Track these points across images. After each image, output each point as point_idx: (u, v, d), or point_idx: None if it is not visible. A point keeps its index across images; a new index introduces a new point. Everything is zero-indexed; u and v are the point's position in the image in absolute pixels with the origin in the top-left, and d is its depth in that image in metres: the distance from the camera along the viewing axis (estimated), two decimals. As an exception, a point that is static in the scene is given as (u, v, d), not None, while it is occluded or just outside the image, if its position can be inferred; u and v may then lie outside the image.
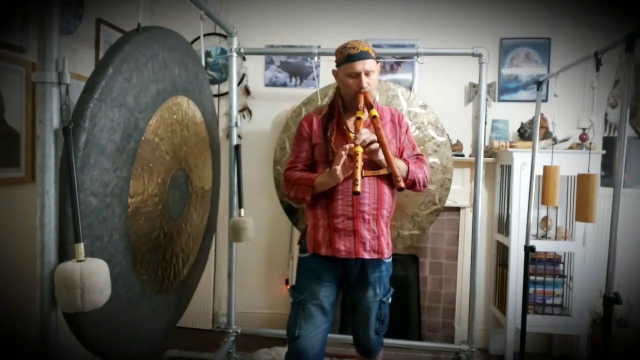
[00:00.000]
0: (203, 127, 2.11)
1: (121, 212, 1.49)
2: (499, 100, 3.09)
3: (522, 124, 3.00)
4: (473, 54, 2.49)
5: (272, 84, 3.22)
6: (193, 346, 2.90)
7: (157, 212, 1.73)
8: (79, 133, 1.29)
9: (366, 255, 1.78)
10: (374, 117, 1.67)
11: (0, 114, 1.98)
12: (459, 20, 3.08)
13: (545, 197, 2.42)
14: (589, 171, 2.08)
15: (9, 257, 2.03)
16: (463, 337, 2.88)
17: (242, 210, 2.47)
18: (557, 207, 2.90)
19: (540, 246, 2.71)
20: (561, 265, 2.91)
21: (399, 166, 1.73)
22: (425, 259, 3.09)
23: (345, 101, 1.86)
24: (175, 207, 1.88)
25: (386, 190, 1.82)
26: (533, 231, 2.80)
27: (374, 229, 1.79)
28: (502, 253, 3.04)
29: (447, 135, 2.70)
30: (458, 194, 3.00)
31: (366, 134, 1.67)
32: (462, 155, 2.99)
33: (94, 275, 1.21)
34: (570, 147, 2.90)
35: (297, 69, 3.20)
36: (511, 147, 2.89)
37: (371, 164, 1.75)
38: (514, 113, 3.06)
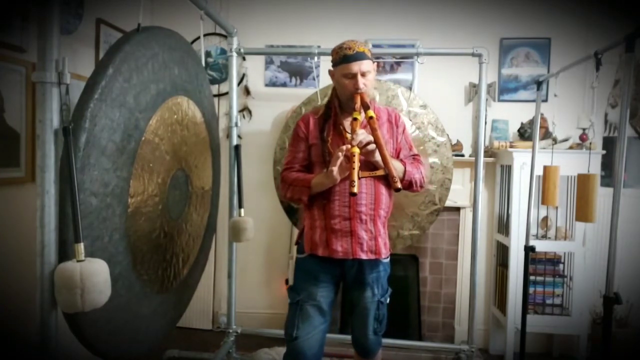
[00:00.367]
0: (203, 127, 2.11)
1: (121, 212, 1.49)
2: (499, 100, 3.10)
3: (522, 124, 3.00)
4: (473, 54, 2.49)
5: (272, 84, 3.22)
6: (193, 346, 2.90)
7: (157, 212, 1.73)
8: (79, 133, 1.29)
9: (363, 256, 1.78)
10: (371, 117, 1.67)
11: (0, 114, 1.98)
12: (459, 20, 3.08)
13: (545, 197, 2.42)
14: (589, 171, 2.08)
15: (9, 257, 2.03)
16: (463, 337, 2.88)
17: (242, 210, 2.46)
18: (557, 207, 2.90)
19: (540, 246, 2.71)
20: (561, 265, 2.91)
21: (396, 167, 1.73)
22: (425, 259, 3.09)
23: (341, 101, 1.86)
24: (175, 207, 1.88)
25: (383, 190, 1.81)
26: (533, 231, 2.80)
27: (371, 229, 1.79)
28: (502, 253, 3.04)
29: (447, 135, 2.70)
30: (458, 194, 3.00)
31: (363, 135, 1.66)
32: (462, 155, 2.99)
33: (94, 275, 1.21)
34: (570, 147, 2.90)
35: (297, 69, 3.20)
36: (511, 147, 2.89)
37: (368, 164, 1.74)
38: (514, 113, 3.06)
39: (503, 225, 3.02)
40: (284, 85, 3.21)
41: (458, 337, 3.05)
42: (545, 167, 2.44)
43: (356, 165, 1.55)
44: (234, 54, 2.63)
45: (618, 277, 1.89)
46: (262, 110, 3.23)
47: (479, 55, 2.48)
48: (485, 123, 2.69)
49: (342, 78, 1.78)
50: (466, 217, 3.02)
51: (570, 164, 2.65)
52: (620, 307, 2.45)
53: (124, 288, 1.54)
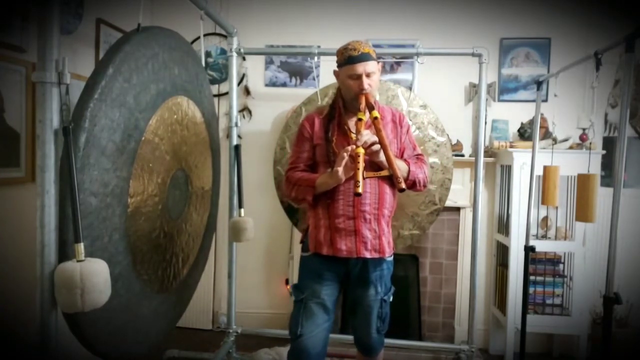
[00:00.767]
0: (203, 127, 2.11)
1: (121, 212, 1.49)
2: (499, 100, 3.09)
3: (522, 124, 3.00)
4: (473, 54, 2.49)
5: (272, 84, 3.22)
6: (193, 346, 2.90)
7: (157, 212, 1.73)
8: (79, 133, 1.29)
9: (367, 255, 1.79)
10: (375, 118, 1.68)
11: (0, 114, 1.98)
12: (459, 20, 3.08)
13: (545, 197, 2.42)
14: (589, 171, 2.08)
15: (9, 257, 2.03)
16: (463, 337, 2.88)
17: (242, 210, 2.47)
18: (557, 207, 2.90)
19: (540, 246, 2.71)
20: (561, 265, 2.91)
21: (400, 167, 1.74)
22: (425, 259, 3.09)
23: (346, 102, 1.87)
24: (175, 207, 1.88)
25: (387, 190, 1.83)
26: (533, 231, 2.80)
27: (375, 228, 1.80)
28: (502, 253, 3.04)
29: (447, 135, 2.70)
30: (458, 194, 3.00)
31: (367, 135, 1.67)
32: (462, 155, 2.99)
33: (94, 275, 1.21)
34: (570, 147, 2.90)
35: (297, 69, 3.20)
36: (511, 147, 2.89)
37: (372, 164, 1.75)
38: (514, 113, 3.06)
39: (503, 225, 3.02)
40: (284, 85, 3.21)
41: (458, 337, 3.05)
42: (545, 167, 2.44)
43: (361, 165, 1.57)
44: (234, 54, 2.63)
45: (618, 277, 1.90)
46: (262, 110, 3.23)
47: (479, 55, 2.48)
48: (485, 123, 2.69)
49: (347, 79, 1.79)
50: (466, 217, 3.01)
51: (570, 164, 2.65)
52: (620, 307, 2.45)
53: (124, 288, 1.54)
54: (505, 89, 3.09)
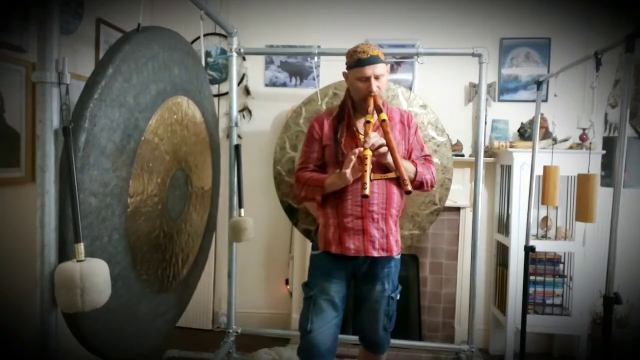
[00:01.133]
0: (203, 127, 2.11)
1: (121, 212, 1.49)
2: (499, 100, 3.09)
3: (522, 124, 3.00)
4: (473, 54, 2.49)
5: (272, 84, 3.22)
6: (193, 346, 2.90)
7: (157, 212, 1.73)
8: (79, 133, 1.28)
9: (375, 254, 1.82)
10: (383, 120, 1.70)
11: (0, 114, 1.98)
12: (459, 20, 3.08)
13: (545, 197, 2.42)
14: (589, 171, 2.08)
15: (9, 257, 2.03)
16: (463, 337, 2.88)
17: (242, 210, 2.46)
18: (557, 207, 2.90)
19: (540, 246, 2.71)
20: (561, 265, 2.91)
21: (407, 168, 1.79)
22: (425, 259, 3.09)
23: (355, 103, 1.91)
24: (175, 207, 1.88)
25: (395, 190, 1.86)
26: (533, 231, 2.80)
27: (382, 227, 1.83)
28: (502, 253, 3.04)
29: (447, 135, 2.69)
30: (458, 194, 3.00)
31: (375, 138, 1.71)
32: (462, 155, 2.99)
33: (94, 275, 1.21)
34: (570, 147, 2.90)
35: (297, 69, 3.20)
36: (511, 147, 2.89)
37: (380, 166, 1.79)
38: (514, 113, 3.06)
39: (503, 225, 3.02)
40: (284, 85, 3.21)
41: (458, 337, 3.05)
42: (545, 167, 2.44)
43: (368, 167, 1.60)
44: (234, 54, 2.63)
45: (618, 277, 1.89)
46: (262, 110, 3.23)
47: (479, 55, 2.48)
48: (485, 123, 2.69)
49: (356, 81, 1.82)
50: (466, 217, 3.02)
51: (570, 164, 2.65)
52: (620, 307, 2.45)
53: (124, 288, 1.54)
54: (505, 89, 3.09)
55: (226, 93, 2.95)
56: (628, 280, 2.89)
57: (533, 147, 2.54)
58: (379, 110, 1.75)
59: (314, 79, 2.79)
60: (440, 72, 3.07)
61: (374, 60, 1.78)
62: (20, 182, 2.09)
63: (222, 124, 3.15)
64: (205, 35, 2.67)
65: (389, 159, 1.73)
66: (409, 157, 1.93)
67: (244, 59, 3.17)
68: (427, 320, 3.09)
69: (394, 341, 2.66)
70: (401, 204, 1.91)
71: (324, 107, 2.54)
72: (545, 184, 2.42)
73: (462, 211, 3.04)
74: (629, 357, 2.84)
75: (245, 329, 2.82)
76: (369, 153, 1.64)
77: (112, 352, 1.53)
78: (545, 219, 2.93)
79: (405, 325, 3.04)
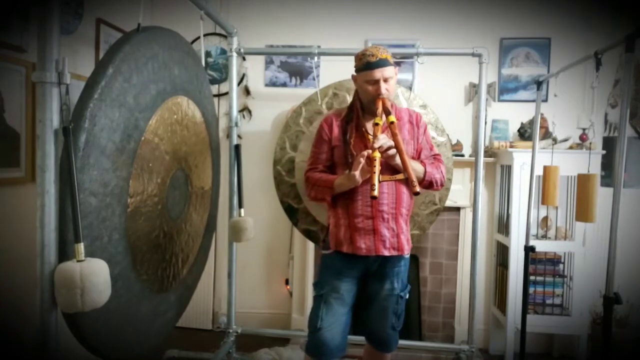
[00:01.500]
0: (203, 127, 2.11)
1: (121, 212, 1.49)
2: (499, 100, 3.09)
3: (522, 124, 3.00)
4: (473, 54, 2.49)
5: (272, 84, 3.22)
6: (193, 346, 2.90)
7: (157, 212, 1.73)
8: (79, 133, 1.28)
9: (386, 253, 1.84)
10: (392, 122, 1.71)
11: (0, 114, 1.98)
12: (459, 20, 3.08)
13: (545, 197, 2.42)
14: (589, 171, 2.08)
15: (9, 257, 2.03)
16: (463, 337, 2.88)
17: (242, 210, 2.47)
18: (557, 207, 2.90)
19: (540, 246, 2.71)
20: (561, 265, 2.91)
21: (415, 168, 1.81)
22: (425, 259, 3.09)
23: (364, 104, 1.92)
24: (175, 207, 1.88)
25: (404, 189, 1.88)
26: (533, 231, 2.80)
27: (393, 227, 1.85)
28: (502, 253, 3.04)
29: (447, 135, 2.69)
30: (458, 194, 3.00)
31: (384, 140, 1.72)
32: (462, 155, 2.99)
33: (94, 275, 1.21)
34: (570, 147, 2.90)
35: (297, 69, 3.20)
36: (511, 147, 2.89)
37: (389, 167, 1.81)
38: (514, 113, 3.06)
39: (503, 225, 3.02)
40: (284, 85, 3.21)
41: (458, 337, 3.05)
42: (545, 167, 2.44)
43: (377, 169, 1.62)
44: (234, 54, 2.63)
45: (618, 277, 1.89)
46: (262, 110, 3.22)
47: (479, 55, 2.48)
48: (485, 123, 2.69)
49: (364, 84, 1.84)
50: (466, 217, 3.02)
51: (570, 164, 2.65)
52: (620, 307, 2.45)
53: (124, 288, 1.54)
54: (505, 89, 3.09)
55: (226, 93, 2.95)
56: (628, 280, 2.89)
57: (533, 147, 2.54)
58: (387, 113, 1.76)
59: (314, 79, 2.79)
60: (440, 72, 3.07)
61: (382, 63, 1.80)
62: (20, 182, 2.09)
63: (222, 124, 3.15)
64: (205, 35, 2.67)
65: (398, 160, 1.74)
66: (418, 156, 1.95)
67: (244, 59, 3.17)
68: (427, 320, 3.09)
69: (394, 341, 2.67)
70: (411, 203, 1.94)
71: (323, 107, 2.54)
72: (545, 184, 2.42)
73: (462, 211, 3.04)
74: (629, 357, 2.84)
75: (245, 329, 2.82)
76: (377, 155, 1.66)
77: (112, 352, 1.53)
78: (545, 219, 2.93)
79: (405, 325, 3.02)
